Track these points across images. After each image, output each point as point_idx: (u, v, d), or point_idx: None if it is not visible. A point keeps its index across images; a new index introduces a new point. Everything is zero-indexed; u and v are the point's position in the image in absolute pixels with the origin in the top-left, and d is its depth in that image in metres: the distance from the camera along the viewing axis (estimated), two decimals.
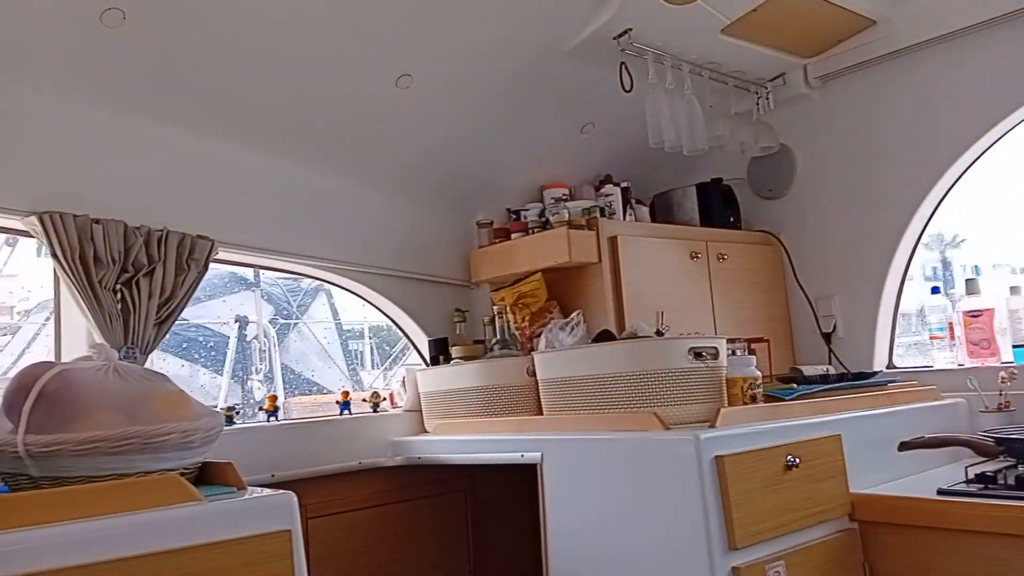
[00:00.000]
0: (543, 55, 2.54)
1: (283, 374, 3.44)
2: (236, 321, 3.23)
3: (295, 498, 1.42)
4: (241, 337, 3.26)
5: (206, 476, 1.53)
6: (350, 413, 2.63)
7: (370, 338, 4.53)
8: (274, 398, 2.48)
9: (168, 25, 1.99)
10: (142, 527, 1.28)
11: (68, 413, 1.36)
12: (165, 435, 1.38)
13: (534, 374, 2.38)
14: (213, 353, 3.15)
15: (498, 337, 2.58)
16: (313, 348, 3.79)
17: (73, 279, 1.99)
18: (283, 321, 3.62)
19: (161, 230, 2.16)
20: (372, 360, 4.47)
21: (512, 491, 2.80)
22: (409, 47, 2.32)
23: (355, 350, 4.25)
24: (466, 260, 2.95)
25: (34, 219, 1.97)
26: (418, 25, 2.25)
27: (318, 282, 3.30)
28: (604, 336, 2.27)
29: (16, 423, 1.35)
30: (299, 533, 1.40)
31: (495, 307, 2.68)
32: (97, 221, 2.05)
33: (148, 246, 2.12)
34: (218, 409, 1.92)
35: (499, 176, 2.94)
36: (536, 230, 2.72)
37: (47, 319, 3.21)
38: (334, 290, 3.59)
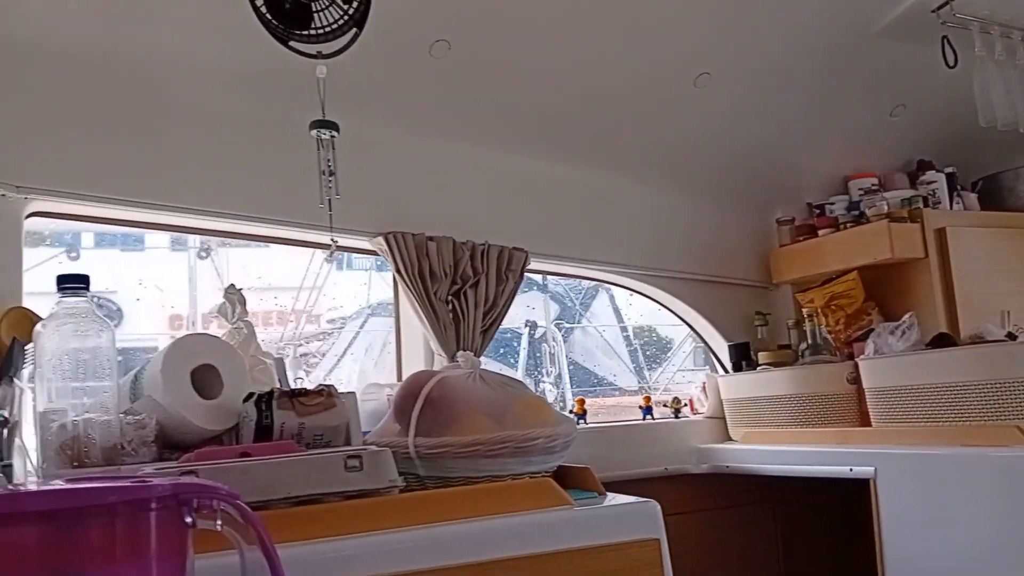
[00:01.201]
0: (848, 37, 2.38)
1: (570, 371, 3.54)
2: (527, 325, 3.37)
3: (659, 507, 1.43)
4: (531, 338, 3.40)
5: (562, 480, 1.58)
6: (652, 418, 2.63)
7: (635, 339, 4.55)
8: (583, 401, 2.54)
9: (484, 53, 2.11)
10: (523, 529, 1.34)
11: (448, 417, 1.48)
12: (533, 439, 1.45)
13: (855, 381, 2.23)
14: (509, 353, 3.31)
15: (809, 342, 2.44)
16: (597, 344, 3.86)
17: (413, 291, 2.17)
18: (568, 325, 3.72)
19: (483, 244, 2.30)
20: (637, 361, 4.48)
21: (824, 506, 2.64)
22: (707, 43, 2.28)
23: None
24: (764, 260, 2.83)
25: (381, 239, 2.19)
26: (716, 19, 2.20)
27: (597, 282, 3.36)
28: (942, 340, 2.07)
29: (405, 426, 1.49)
30: (665, 542, 1.40)
31: (804, 309, 2.54)
32: (431, 238, 2.23)
33: (473, 259, 2.27)
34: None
35: (798, 169, 2.80)
36: (848, 225, 2.55)
37: (360, 327, 3.57)
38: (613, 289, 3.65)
